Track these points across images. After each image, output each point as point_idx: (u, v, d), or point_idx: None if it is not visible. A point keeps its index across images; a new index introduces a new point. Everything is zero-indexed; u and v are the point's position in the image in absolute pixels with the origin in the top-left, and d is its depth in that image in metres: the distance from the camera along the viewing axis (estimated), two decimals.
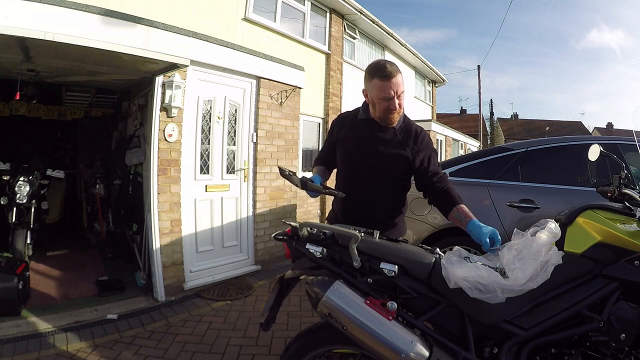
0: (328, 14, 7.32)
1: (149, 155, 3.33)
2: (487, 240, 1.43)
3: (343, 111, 2.80)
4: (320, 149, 1.95)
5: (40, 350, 2.37)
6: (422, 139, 1.73)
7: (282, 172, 1.59)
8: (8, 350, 2.34)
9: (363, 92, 1.73)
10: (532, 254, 1.28)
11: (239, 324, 2.86)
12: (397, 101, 1.62)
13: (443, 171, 1.77)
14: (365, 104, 1.77)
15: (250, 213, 4.13)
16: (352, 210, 1.77)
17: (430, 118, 12.32)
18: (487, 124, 26.49)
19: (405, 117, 1.77)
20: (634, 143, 1.89)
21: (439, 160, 1.79)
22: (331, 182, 1.90)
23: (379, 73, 1.60)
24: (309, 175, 1.91)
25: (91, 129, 6.20)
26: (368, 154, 1.71)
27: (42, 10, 2.49)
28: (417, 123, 1.84)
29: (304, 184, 1.60)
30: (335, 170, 1.92)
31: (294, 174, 1.62)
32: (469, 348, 1.30)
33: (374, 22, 8.38)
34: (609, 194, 1.64)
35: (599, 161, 1.91)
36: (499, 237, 1.44)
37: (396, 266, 1.32)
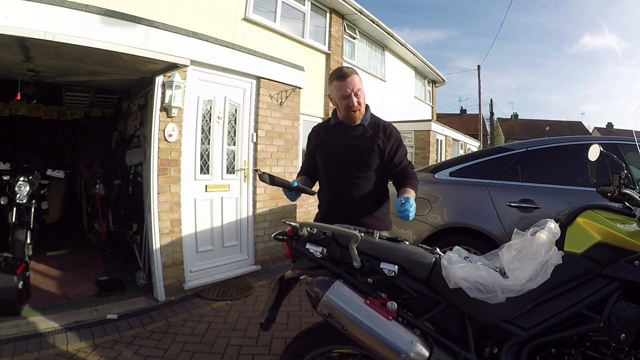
0: (328, 14, 7.32)
1: (149, 155, 3.33)
2: (398, 200, 1.56)
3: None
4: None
5: (40, 350, 2.37)
6: (390, 132, 1.88)
7: (256, 172, 1.67)
8: (8, 350, 2.34)
9: (328, 96, 1.92)
10: (532, 253, 1.28)
11: (239, 324, 2.86)
12: (355, 99, 1.79)
13: (411, 163, 1.93)
14: (334, 111, 1.94)
15: (250, 213, 4.13)
16: (335, 209, 1.88)
17: (430, 118, 12.30)
18: (487, 124, 26.49)
19: (372, 114, 1.93)
20: (634, 143, 1.89)
21: (406, 152, 1.94)
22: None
23: (336, 75, 1.82)
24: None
25: (91, 129, 6.20)
26: (345, 152, 1.86)
27: (42, 10, 2.49)
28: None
29: (271, 179, 1.71)
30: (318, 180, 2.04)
31: (264, 173, 1.74)
32: (469, 348, 1.30)
33: (374, 22, 8.39)
34: (609, 194, 1.64)
35: (599, 161, 1.91)
36: (409, 206, 1.53)
37: (396, 266, 1.33)
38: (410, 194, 1.66)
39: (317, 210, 2.05)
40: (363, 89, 1.83)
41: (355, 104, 1.80)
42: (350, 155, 1.84)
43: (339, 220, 1.66)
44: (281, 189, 1.80)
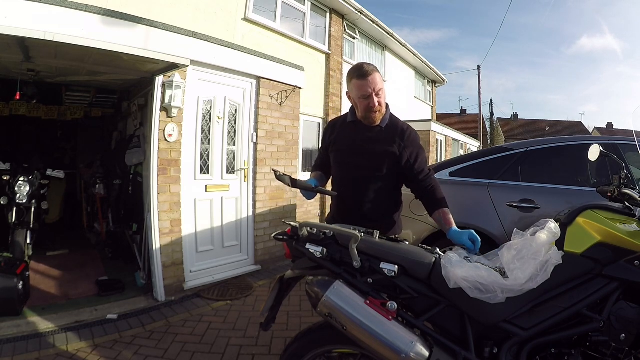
0: (328, 14, 7.32)
1: (149, 155, 3.33)
2: (468, 240, 1.56)
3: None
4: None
5: (40, 350, 2.37)
6: (409, 136, 1.78)
7: (275, 173, 1.63)
8: (8, 350, 2.34)
9: (347, 94, 1.82)
10: (532, 254, 1.28)
11: (239, 324, 2.86)
12: (375, 99, 1.69)
13: (432, 170, 1.86)
14: (352, 108, 1.84)
15: (250, 213, 4.13)
16: (347, 210, 1.82)
17: (430, 118, 12.32)
18: (487, 124, 26.50)
19: (392, 115, 1.83)
20: (634, 143, 1.89)
21: (426, 158, 1.86)
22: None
23: (357, 73, 1.70)
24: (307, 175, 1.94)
25: (91, 129, 6.20)
26: (358, 153, 1.77)
27: (42, 10, 2.49)
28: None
29: (293, 182, 1.62)
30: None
31: (284, 174, 1.65)
32: (469, 348, 1.30)
33: (374, 22, 8.39)
34: (609, 194, 1.63)
35: (599, 161, 1.91)
36: (478, 237, 1.56)
37: (396, 266, 1.32)
38: (452, 221, 1.69)
39: (328, 210, 2.00)
40: (384, 88, 1.73)
41: (376, 104, 1.69)
42: (363, 159, 1.76)
43: (348, 221, 1.61)
44: (284, 187, 1.75)
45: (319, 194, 1.78)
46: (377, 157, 1.75)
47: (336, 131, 1.88)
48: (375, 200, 1.79)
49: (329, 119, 6.70)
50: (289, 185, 1.63)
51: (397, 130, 1.78)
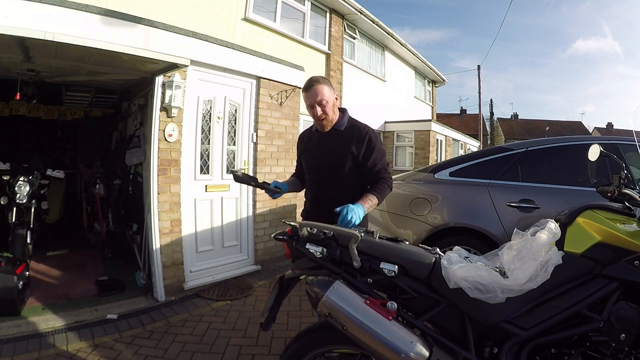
0: (328, 14, 7.32)
1: (149, 155, 3.33)
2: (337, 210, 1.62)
3: None
4: None
5: (40, 350, 2.37)
6: (364, 136, 1.90)
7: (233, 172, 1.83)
8: (8, 350, 2.34)
9: None
10: (532, 254, 1.28)
11: (239, 324, 2.86)
12: (318, 109, 1.87)
13: (387, 170, 1.95)
14: None
15: (250, 213, 4.13)
16: (317, 206, 2.00)
17: (430, 118, 12.30)
18: (487, 124, 26.48)
19: (350, 118, 2.00)
20: (634, 143, 1.89)
21: (383, 156, 1.96)
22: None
23: (304, 86, 1.93)
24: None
25: (91, 129, 6.20)
26: (322, 156, 1.96)
27: (42, 10, 2.49)
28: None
29: (236, 176, 1.85)
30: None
31: (238, 171, 1.83)
32: (469, 348, 1.30)
33: (374, 22, 8.39)
34: (609, 194, 1.64)
35: (599, 161, 1.91)
36: (346, 215, 1.59)
37: (396, 266, 1.32)
38: (363, 201, 1.72)
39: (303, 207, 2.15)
40: (330, 98, 1.87)
41: (319, 113, 1.87)
42: (325, 160, 1.94)
43: (319, 218, 1.72)
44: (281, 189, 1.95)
45: (303, 197, 2.08)
46: (336, 157, 1.90)
47: (305, 140, 2.10)
48: (339, 197, 1.88)
49: None
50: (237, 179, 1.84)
51: (354, 131, 1.93)
